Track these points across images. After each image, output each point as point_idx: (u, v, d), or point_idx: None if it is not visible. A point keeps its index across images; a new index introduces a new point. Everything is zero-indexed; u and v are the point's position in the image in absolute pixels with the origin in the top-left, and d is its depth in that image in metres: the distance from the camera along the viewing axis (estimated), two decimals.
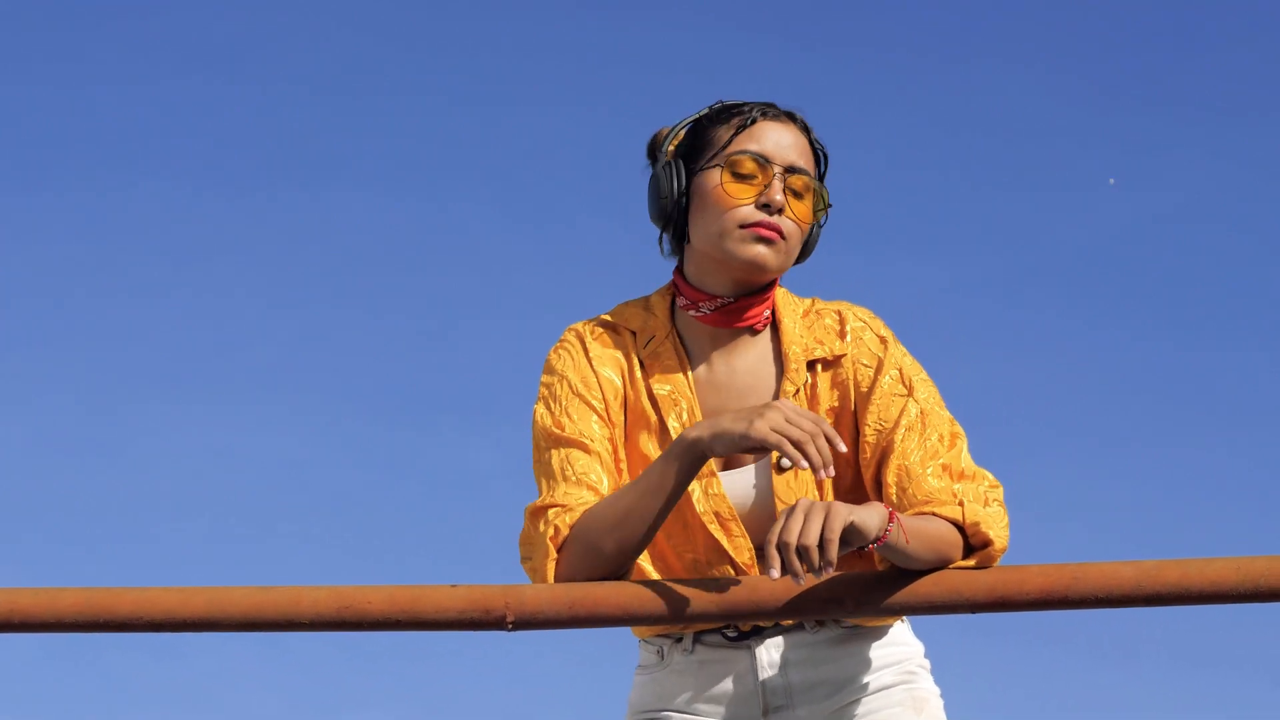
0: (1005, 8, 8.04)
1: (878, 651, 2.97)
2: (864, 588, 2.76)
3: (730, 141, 2.90)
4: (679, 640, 2.97)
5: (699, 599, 2.77)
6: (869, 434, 2.87)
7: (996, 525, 2.76)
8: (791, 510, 2.62)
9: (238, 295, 7.75)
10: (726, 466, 2.92)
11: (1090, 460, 7.58)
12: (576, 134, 7.84)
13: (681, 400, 2.91)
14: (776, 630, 2.94)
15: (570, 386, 2.93)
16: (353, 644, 7.19)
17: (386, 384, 7.74)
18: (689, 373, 2.94)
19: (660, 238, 3.00)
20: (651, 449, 2.92)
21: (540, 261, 7.79)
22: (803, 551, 2.59)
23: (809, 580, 2.71)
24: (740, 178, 2.88)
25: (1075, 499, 7.35)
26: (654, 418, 2.93)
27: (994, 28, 7.98)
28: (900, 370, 2.90)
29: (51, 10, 7.96)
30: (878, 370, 2.90)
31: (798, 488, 2.89)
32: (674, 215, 2.91)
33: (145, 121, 7.88)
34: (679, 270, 2.99)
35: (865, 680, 2.96)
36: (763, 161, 2.88)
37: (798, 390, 2.91)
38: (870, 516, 2.65)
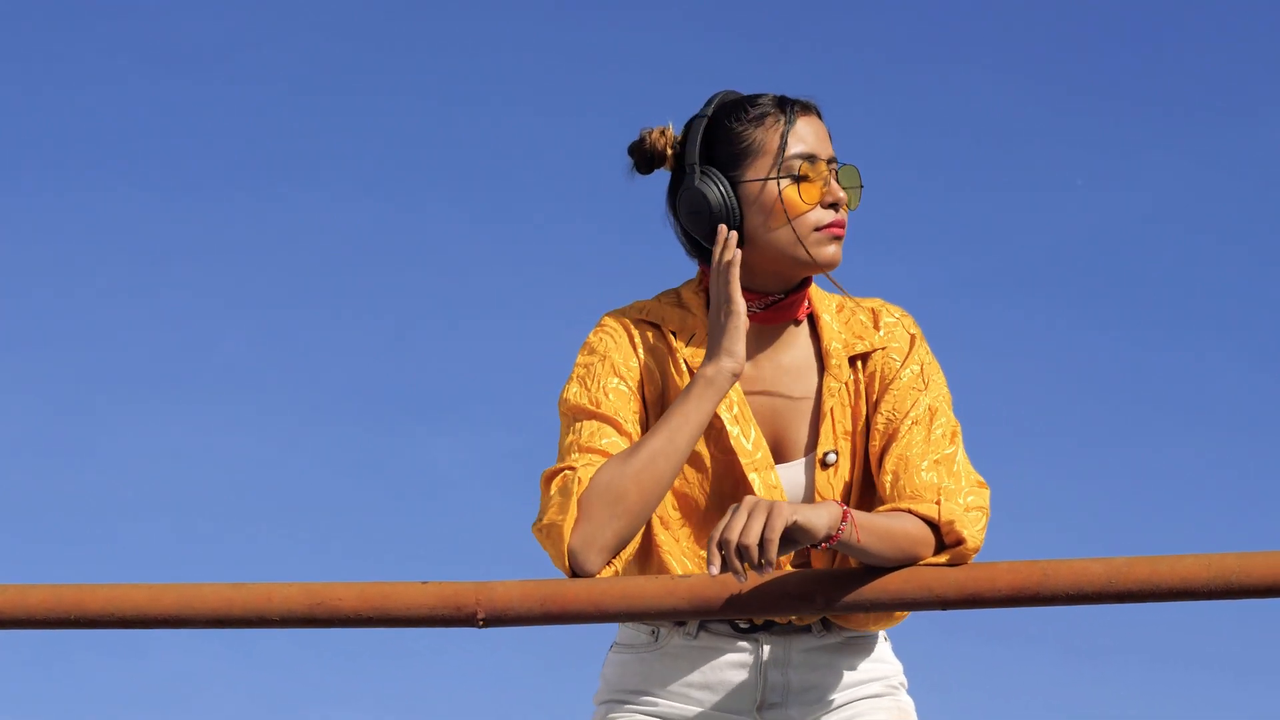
0: (978, 9, 8.06)
1: (868, 665, 3.00)
2: (833, 584, 2.76)
3: (782, 146, 2.91)
4: (681, 623, 2.96)
5: (671, 595, 2.77)
6: (880, 422, 2.91)
7: (972, 526, 2.77)
8: (736, 508, 2.65)
9: (206, 295, 7.74)
10: (779, 460, 2.94)
11: (1061, 458, 7.60)
12: (549, 136, 7.85)
13: (732, 393, 2.92)
14: (787, 628, 2.95)
15: (612, 367, 2.93)
16: (327, 642, 7.18)
17: (357, 383, 7.73)
18: None
19: (689, 242, 2.98)
20: (701, 445, 2.92)
21: (509, 263, 7.79)
22: (743, 550, 2.62)
23: (752, 579, 2.74)
24: (802, 181, 2.90)
25: (1046, 496, 7.37)
26: None
27: (965, 29, 8.01)
28: (921, 367, 2.94)
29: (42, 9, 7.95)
30: (902, 364, 2.94)
31: (836, 483, 2.92)
32: (731, 227, 2.91)
33: (110, 121, 7.86)
34: None
35: (855, 690, 2.98)
36: (814, 160, 2.92)
37: (841, 386, 2.94)
38: (818, 516, 2.66)
